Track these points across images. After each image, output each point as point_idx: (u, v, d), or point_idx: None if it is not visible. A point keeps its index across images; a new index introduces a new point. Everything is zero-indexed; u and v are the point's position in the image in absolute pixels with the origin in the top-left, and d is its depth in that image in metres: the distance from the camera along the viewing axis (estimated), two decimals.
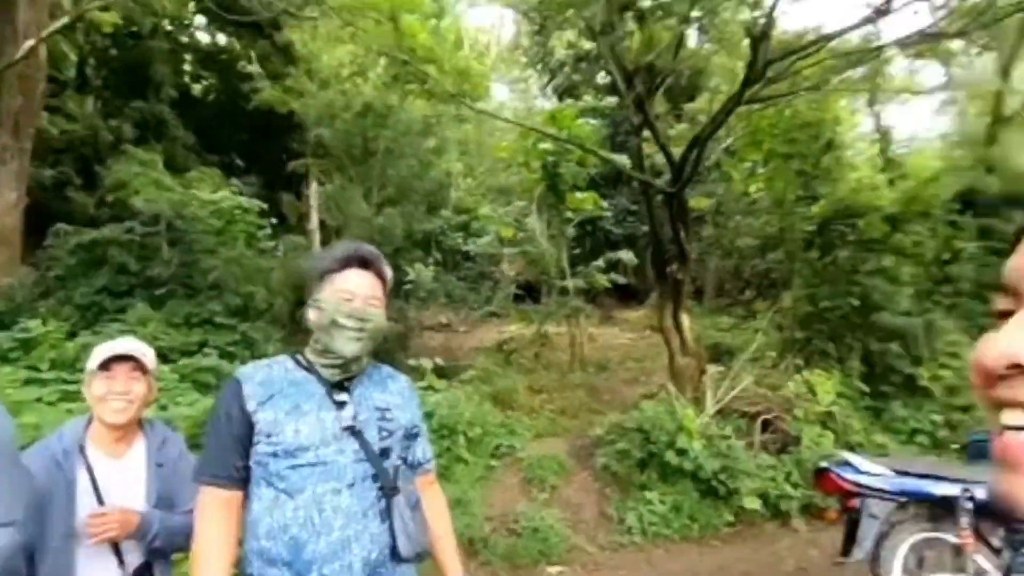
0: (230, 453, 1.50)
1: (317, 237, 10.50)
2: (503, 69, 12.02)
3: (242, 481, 1.51)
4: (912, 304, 7.81)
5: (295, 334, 6.97)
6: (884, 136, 11.54)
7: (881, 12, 6.76)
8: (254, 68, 10.02)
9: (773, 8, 6.42)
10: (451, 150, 10.17)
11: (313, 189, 10.77)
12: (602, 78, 10.64)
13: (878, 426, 6.70)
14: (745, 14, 8.63)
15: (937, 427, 6.82)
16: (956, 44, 11.53)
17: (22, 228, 8.16)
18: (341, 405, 1.54)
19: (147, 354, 1.93)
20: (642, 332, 9.68)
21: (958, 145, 12.35)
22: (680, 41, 8.93)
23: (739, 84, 6.68)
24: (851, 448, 5.81)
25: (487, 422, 6.37)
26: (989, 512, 3.72)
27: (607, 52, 7.35)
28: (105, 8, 8.97)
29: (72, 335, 6.03)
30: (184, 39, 13.56)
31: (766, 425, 6.39)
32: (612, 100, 9.24)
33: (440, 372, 6.88)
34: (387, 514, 1.50)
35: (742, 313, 9.42)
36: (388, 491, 1.51)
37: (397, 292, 9.11)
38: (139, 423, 1.95)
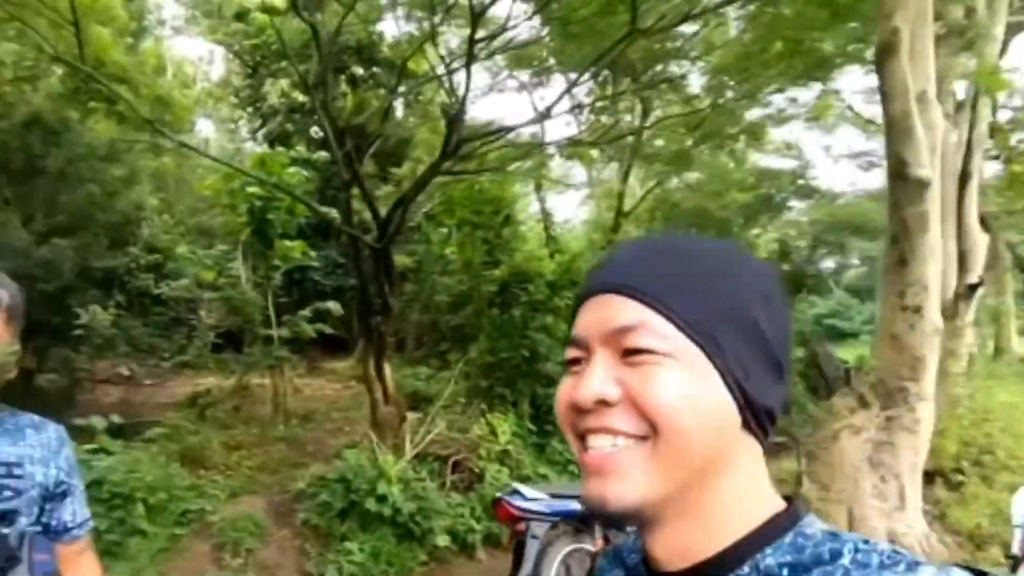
0: None
1: None
2: (211, 105, 10.76)
3: None
4: None
5: None
6: (547, 217, 13.46)
7: (544, 116, 8.35)
8: None
9: (466, 95, 7.11)
10: (144, 182, 8.60)
11: None
12: (315, 132, 10.30)
13: (543, 460, 7.57)
14: (443, 97, 9.41)
15: None
16: (595, 152, 14.24)
17: None
18: None
19: None
20: (347, 382, 9.39)
21: (595, 229, 15.10)
22: (388, 109, 9.26)
23: (438, 156, 7.18)
24: (522, 480, 6.43)
25: (173, 485, 5.50)
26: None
27: (320, 107, 7.22)
28: None
29: None
30: None
31: (456, 466, 6.73)
32: (324, 154, 9.02)
33: (117, 432, 5.69)
34: None
35: (438, 364, 9.86)
36: (4, 561, 1.22)
37: (63, 338, 7.28)
38: None
